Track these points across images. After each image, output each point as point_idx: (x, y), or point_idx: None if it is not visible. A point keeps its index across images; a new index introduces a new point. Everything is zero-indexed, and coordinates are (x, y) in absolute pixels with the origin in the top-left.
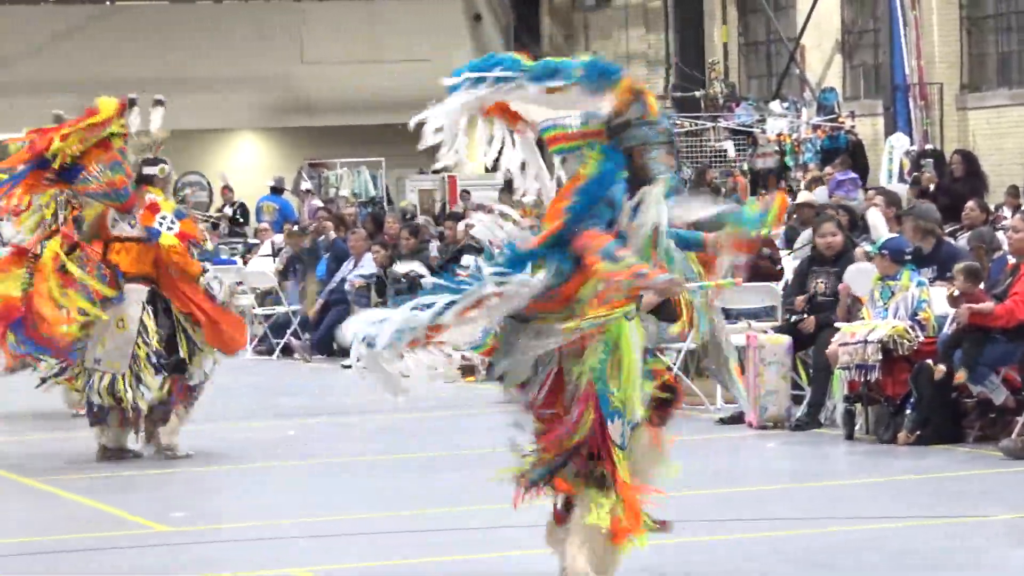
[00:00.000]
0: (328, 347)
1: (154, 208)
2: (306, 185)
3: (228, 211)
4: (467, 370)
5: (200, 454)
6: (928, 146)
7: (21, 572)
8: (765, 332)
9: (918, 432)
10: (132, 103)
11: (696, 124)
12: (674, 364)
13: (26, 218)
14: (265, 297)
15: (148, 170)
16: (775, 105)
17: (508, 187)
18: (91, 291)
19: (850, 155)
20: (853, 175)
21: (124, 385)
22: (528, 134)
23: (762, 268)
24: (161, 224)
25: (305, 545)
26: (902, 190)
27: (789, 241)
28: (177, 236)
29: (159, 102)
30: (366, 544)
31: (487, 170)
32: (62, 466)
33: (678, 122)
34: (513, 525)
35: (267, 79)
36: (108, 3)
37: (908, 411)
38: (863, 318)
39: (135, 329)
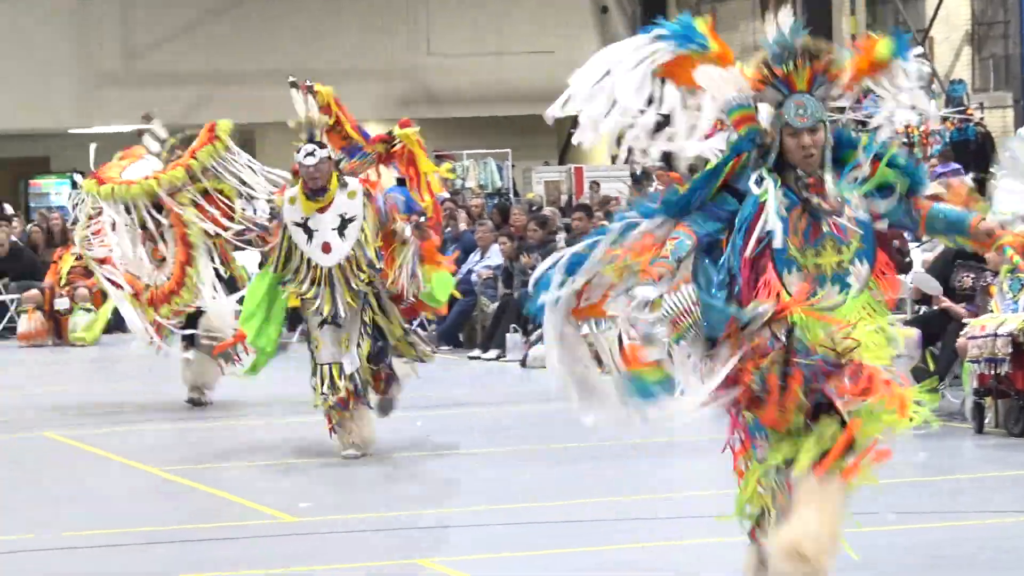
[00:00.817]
0: (454, 338)
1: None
2: None
3: None
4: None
5: (329, 446)
6: None
7: (152, 562)
8: (893, 325)
9: None
10: (294, 84)
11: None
12: None
13: None
14: None
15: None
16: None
17: (636, 179)
18: None
19: (979, 148)
20: (955, 166)
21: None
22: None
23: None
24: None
25: (439, 535)
26: None
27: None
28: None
29: (294, 84)
30: (555, 533)
31: (613, 161)
32: (188, 456)
33: None
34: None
35: (393, 70)
36: None
37: None
38: (992, 311)
39: None
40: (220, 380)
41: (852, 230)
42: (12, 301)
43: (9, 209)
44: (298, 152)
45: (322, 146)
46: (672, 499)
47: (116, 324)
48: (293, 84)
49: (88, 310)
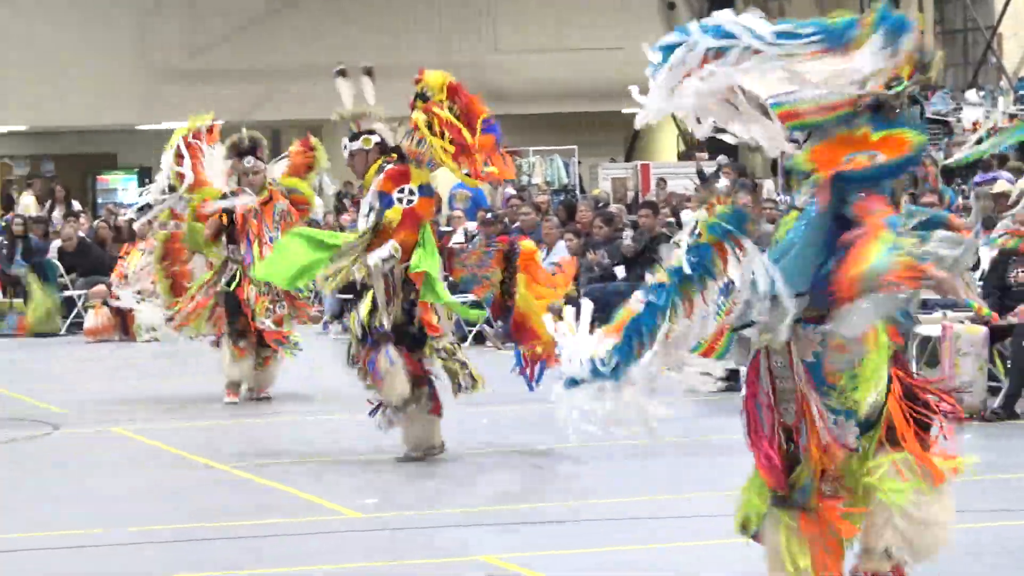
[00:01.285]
0: None
1: (402, 177)
2: None
3: None
4: None
5: (392, 443)
6: None
7: (220, 557)
8: (961, 323)
9: None
10: (343, 72)
11: None
12: None
13: None
14: None
15: (354, 146)
16: (971, 94)
17: (703, 177)
18: None
19: None
20: (994, 175)
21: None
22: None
23: None
24: (400, 196)
25: (505, 532)
26: None
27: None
28: (405, 212)
29: (369, 71)
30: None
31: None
32: (253, 451)
33: None
34: None
35: (460, 67)
36: None
37: None
38: None
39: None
40: (276, 376)
41: None
42: (79, 297)
43: (77, 205)
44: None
45: (354, 138)
46: (679, 500)
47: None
48: (341, 72)
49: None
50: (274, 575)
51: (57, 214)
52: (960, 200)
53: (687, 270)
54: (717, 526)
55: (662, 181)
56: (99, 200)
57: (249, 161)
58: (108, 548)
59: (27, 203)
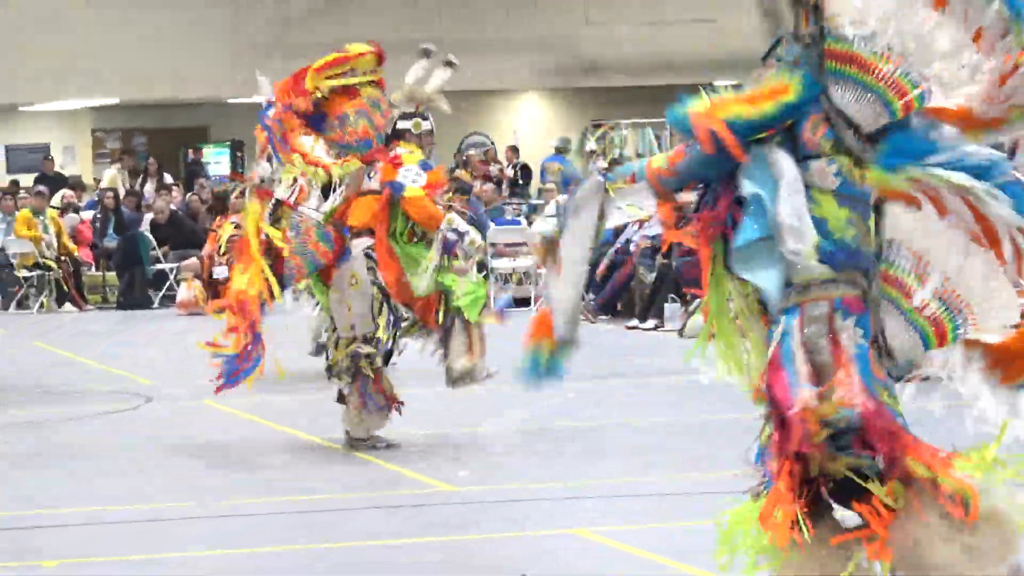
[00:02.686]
0: (612, 308)
1: (396, 161)
2: (591, 146)
3: (509, 172)
4: None
5: (483, 416)
6: None
7: (313, 531)
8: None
9: None
10: (427, 53)
11: None
12: None
13: (287, 171)
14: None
15: (402, 124)
16: None
17: None
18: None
19: None
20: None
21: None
22: None
23: None
24: (405, 177)
25: (597, 504)
26: None
27: None
28: (424, 187)
29: (450, 63)
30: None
31: None
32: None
33: None
34: None
35: (552, 40)
36: None
37: None
38: None
39: (369, 284)
40: None
41: None
42: (171, 270)
43: (169, 178)
44: (403, 119)
45: (407, 117)
46: None
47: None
48: (426, 52)
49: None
50: (366, 548)
51: (149, 188)
52: None
53: None
54: None
55: None
56: (190, 173)
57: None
58: (198, 520)
59: (111, 176)
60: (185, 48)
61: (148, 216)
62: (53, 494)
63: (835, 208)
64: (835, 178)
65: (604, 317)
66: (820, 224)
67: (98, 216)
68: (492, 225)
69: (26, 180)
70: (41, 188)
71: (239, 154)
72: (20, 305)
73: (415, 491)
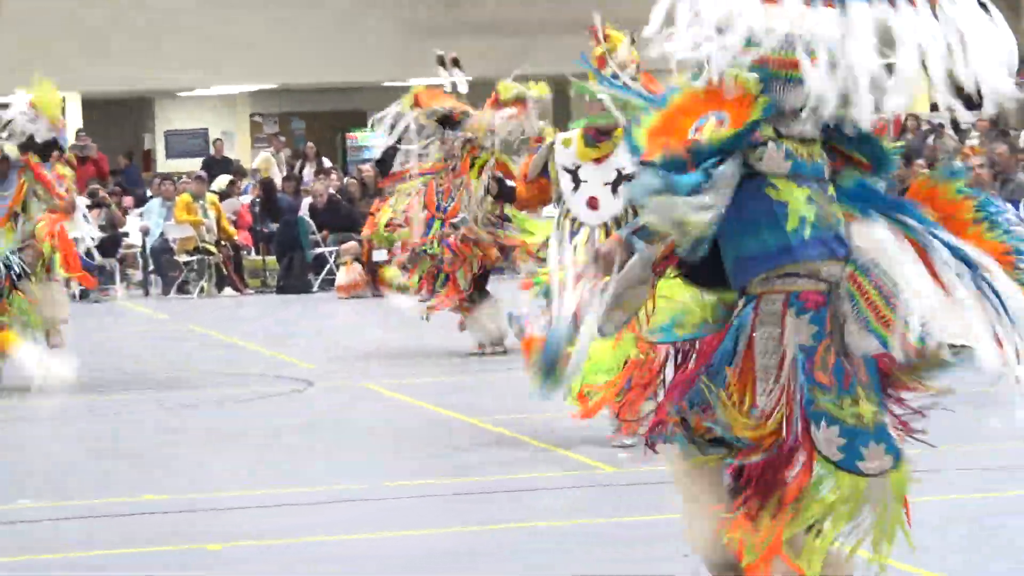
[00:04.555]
0: None
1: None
2: None
3: None
4: None
5: None
6: None
7: (474, 512)
8: None
9: None
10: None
11: None
12: None
13: None
14: None
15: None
16: None
17: (956, 128)
18: None
19: None
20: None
21: None
22: None
23: None
24: None
25: None
26: None
27: None
28: None
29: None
30: None
31: (932, 108)
32: (505, 405)
33: None
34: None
35: None
36: None
37: None
38: None
39: None
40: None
41: None
42: (331, 253)
43: (327, 162)
44: None
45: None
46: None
47: None
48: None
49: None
50: (531, 529)
51: (308, 172)
52: None
53: None
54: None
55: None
56: (349, 158)
57: (449, 133)
58: (363, 503)
59: (264, 158)
60: (342, 31)
61: (307, 200)
62: (217, 477)
63: (794, 189)
64: (786, 161)
65: None
66: (782, 207)
67: (257, 200)
68: None
69: (186, 165)
70: (201, 173)
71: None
72: (180, 290)
73: (577, 472)
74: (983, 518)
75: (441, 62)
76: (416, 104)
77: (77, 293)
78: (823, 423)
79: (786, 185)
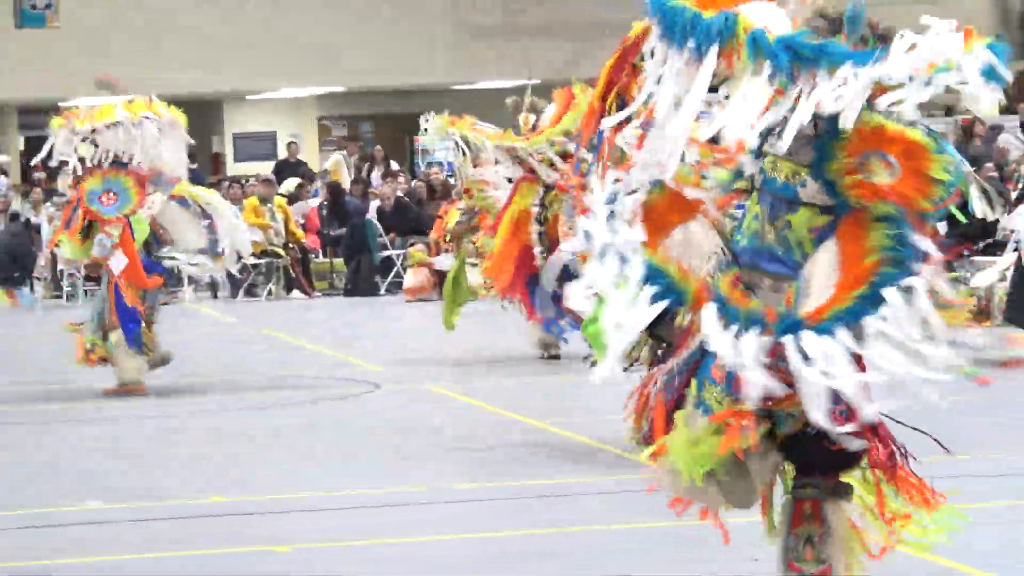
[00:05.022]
0: None
1: None
2: None
3: None
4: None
5: None
6: None
7: (535, 513)
8: None
9: None
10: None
11: None
12: None
13: None
14: None
15: None
16: None
17: None
18: None
19: None
20: None
21: None
22: None
23: None
24: None
25: None
26: None
27: None
28: None
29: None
30: None
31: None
32: (565, 407)
33: None
34: None
35: None
36: None
37: None
38: None
39: None
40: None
41: None
42: (398, 256)
43: (394, 165)
44: None
45: None
46: None
47: None
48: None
49: (474, 264)
50: (591, 532)
51: (376, 174)
52: None
53: None
54: None
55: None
56: (416, 160)
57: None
58: (428, 506)
59: (335, 160)
60: (409, 35)
61: (374, 203)
62: (285, 479)
63: (754, 203)
64: (759, 175)
65: None
66: (743, 220)
67: (325, 203)
68: None
69: (254, 168)
70: (269, 176)
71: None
72: (249, 292)
73: (638, 475)
74: None
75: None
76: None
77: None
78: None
79: (754, 197)
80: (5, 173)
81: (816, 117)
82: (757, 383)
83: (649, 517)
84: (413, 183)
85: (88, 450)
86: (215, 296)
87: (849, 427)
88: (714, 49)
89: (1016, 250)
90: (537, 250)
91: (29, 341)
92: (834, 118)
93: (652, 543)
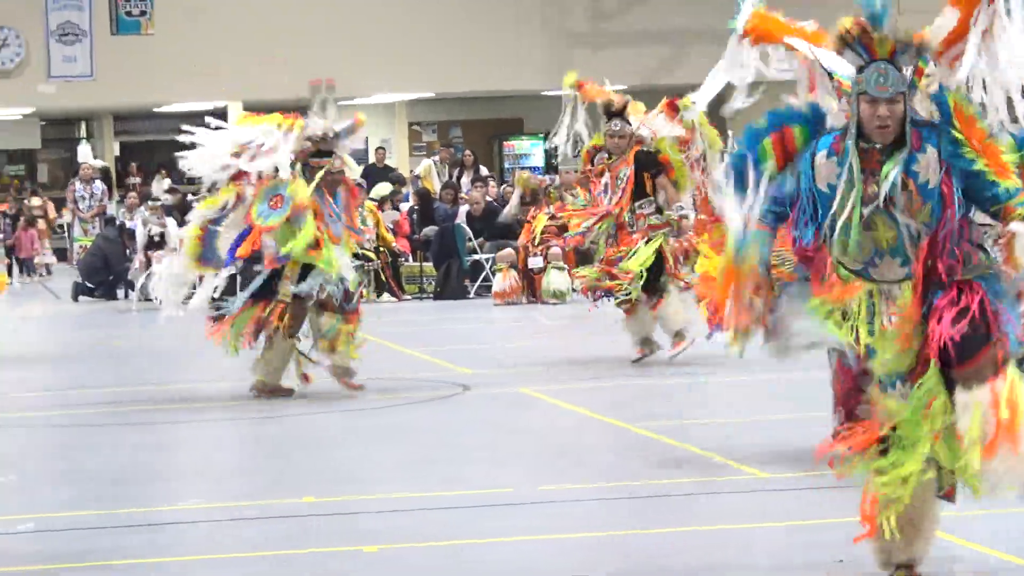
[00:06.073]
0: None
1: None
2: None
3: None
4: None
5: (791, 401)
6: None
7: (628, 515)
8: None
9: None
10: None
11: None
12: None
13: None
14: None
15: None
16: None
17: None
18: None
19: None
20: None
21: None
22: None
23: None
24: None
25: None
26: None
27: None
28: None
29: None
30: None
31: None
32: (656, 411)
33: None
34: None
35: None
36: None
37: None
38: None
39: None
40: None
41: (913, 206)
42: (487, 260)
43: (484, 170)
44: None
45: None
46: None
47: None
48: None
49: (561, 268)
50: (684, 534)
51: (465, 179)
52: None
53: None
54: None
55: None
56: (506, 165)
57: (616, 124)
58: (521, 507)
59: (427, 165)
60: (500, 42)
61: (464, 208)
62: (376, 479)
63: None
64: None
65: None
66: None
67: (415, 208)
68: None
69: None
70: (360, 181)
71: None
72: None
73: (729, 477)
74: None
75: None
76: (579, 89)
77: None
78: None
79: None
80: (102, 178)
81: None
82: None
83: (734, 519)
84: (502, 188)
85: (187, 450)
86: None
87: None
88: None
89: None
90: None
91: (129, 342)
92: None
93: (746, 543)
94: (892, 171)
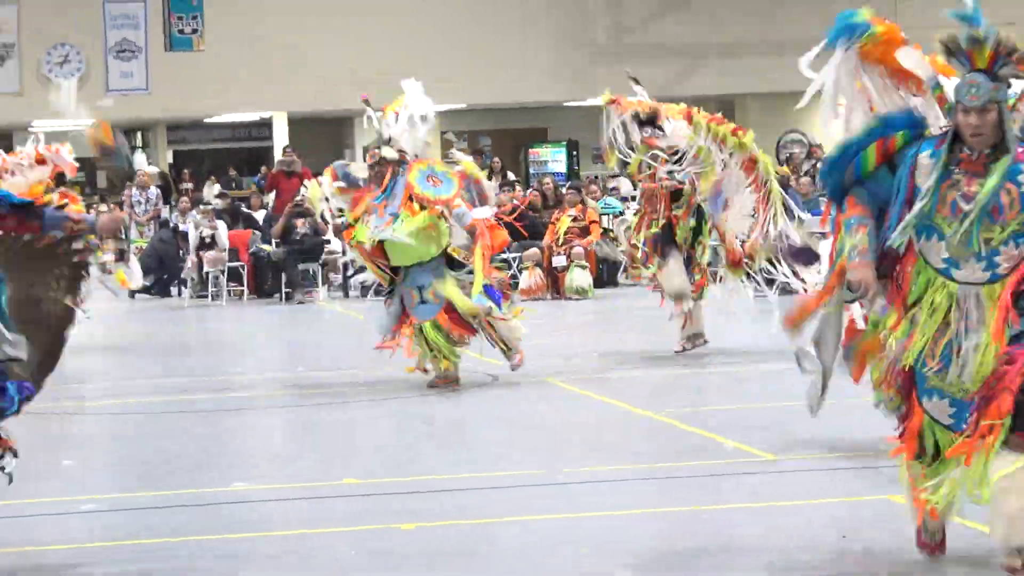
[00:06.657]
0: None
1: None
2: None
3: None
4: None
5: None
6: None
7: (651, 495)
8: None
9: None
10: None
11: None
12: None
13: None
14: None
15: None
16: None
17: None
18: None
19: None
20: None
21: None
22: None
23: None
24: None
25: None
26: None
27: None
28: None
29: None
30: None
31: None
32: (680, 400)
33: None
34: None
35: None
36: None
37: None
38: None
39: None
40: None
41: (1011, 212)
42: (514, 259)
43: (511, 175)
44: None
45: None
46: None
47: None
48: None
49: (583, 267)
50: (687, 513)
51: (493, 184)
52: None
53: None
54: None
55: None
56: (531, 171)
57: (647, 131)
58: (549, 488)
59: None
60: (526, 55)
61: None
62: (411, 462)
63: None
64: None
65: None
66: None
67: None
68: (808, 215)
69: None
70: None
71: (574, 153)
72: (377, 292)
73: (743, 460)
74: None
75: (635, 81)
76: (615, 104)
77: (282, 295)
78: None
79: None
80: (157, 184)
81: None
82: None
83: (746, 499)
84: (528, 192)
85: (235, 437)
86: (346, 295)
87: None
88: None
89: None
90: None
91: (183, 338)
92: None
93: (744, 527)
94: (994, 177)
